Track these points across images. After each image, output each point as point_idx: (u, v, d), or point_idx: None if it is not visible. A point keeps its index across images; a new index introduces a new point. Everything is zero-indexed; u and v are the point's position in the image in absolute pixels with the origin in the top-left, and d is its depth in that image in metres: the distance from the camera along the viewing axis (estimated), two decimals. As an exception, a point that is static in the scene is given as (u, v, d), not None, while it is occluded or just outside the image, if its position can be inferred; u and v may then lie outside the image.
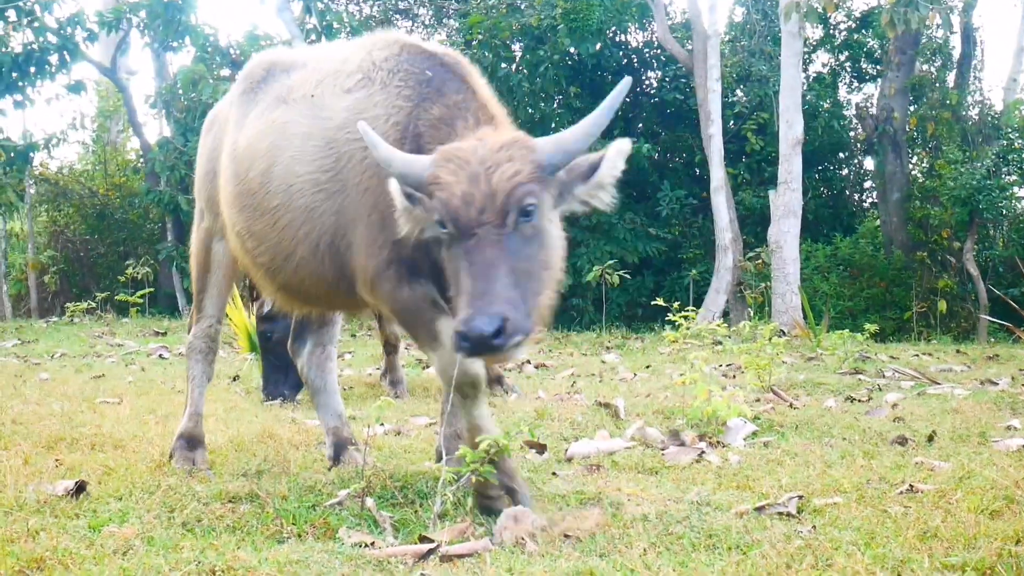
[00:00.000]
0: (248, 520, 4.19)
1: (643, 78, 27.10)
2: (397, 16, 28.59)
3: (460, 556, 3.71)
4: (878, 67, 26.05)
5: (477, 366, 4.43)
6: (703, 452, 5.86)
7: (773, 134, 22.12)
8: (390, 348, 9.21)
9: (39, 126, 47.93)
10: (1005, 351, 13.97)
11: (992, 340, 18.22)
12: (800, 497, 4.57)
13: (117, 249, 26.36)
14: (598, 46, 24.18)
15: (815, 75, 26.57)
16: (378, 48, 4.93)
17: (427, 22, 28.91)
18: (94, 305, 20.69)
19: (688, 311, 8.55)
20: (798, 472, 5.31)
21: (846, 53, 26.86)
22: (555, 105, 24.87)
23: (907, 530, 3.97)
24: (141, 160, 26.33)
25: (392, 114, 4.62)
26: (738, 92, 25.61)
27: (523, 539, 3.91)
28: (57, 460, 5.52)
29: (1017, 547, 3.72)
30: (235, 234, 5.28)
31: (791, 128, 18.37)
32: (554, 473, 5.34)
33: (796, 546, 3.76)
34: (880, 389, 9.08)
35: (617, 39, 26.34)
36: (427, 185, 4.09)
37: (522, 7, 23.86)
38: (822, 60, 27.46)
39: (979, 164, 21.28)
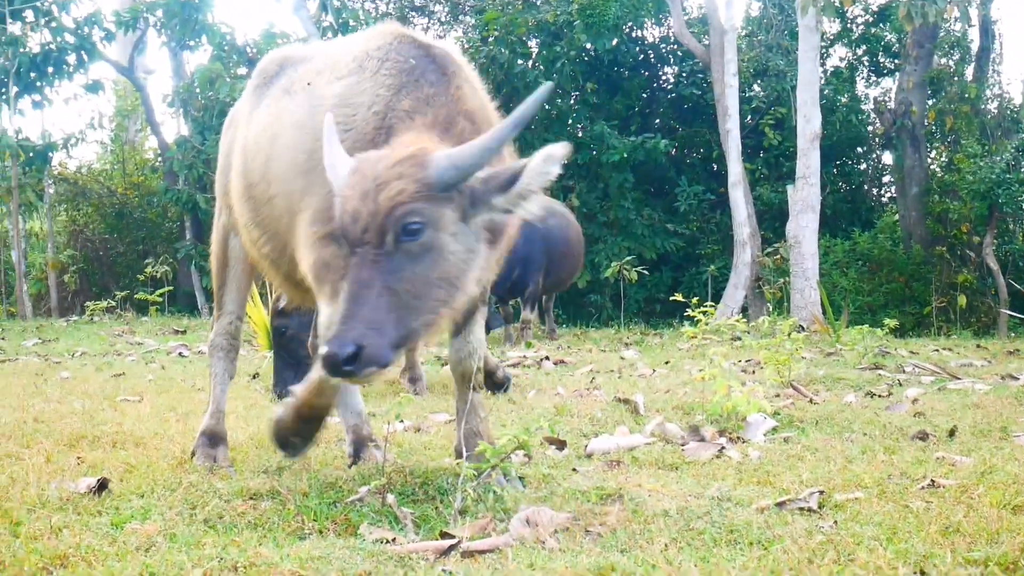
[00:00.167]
0: (269, 517, 4.20)
1: (660, 73, 27.12)
2: (413, 13, 28.61)
3: (481, 552, 3.71)
4: (896, 61, 26.01)
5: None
6: (723, 448, 5.85)
7: (791, 129, 22.10)
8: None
9: (58, 126, 48.23)
10: (1026, 345, 13.91)
11: (1012, 335, 18.18)
12: (821, 492, 4.56)
13: (136, 248, 26.45)
14: (614, 42, 24.18)
15: (833, 69, 26.53)
16: (374, 37, 4.92)
17: (443, 19, 28.92)
18: (114, 304, 20.75)
19: (707, 307, 8.52)
20: (819, 467, 5.29)
21: (863, 47, 26.82)
22: (572, 101, 24.89)
23: (929, 525, 3.96)
24: (159, 159, 26.42)
25: (374, 102, 4.57)
26: (755, 87, 25.58)
27: (543, 535, 3.92)
28: (79, 458, 5.53)
29: (1040, 541, 3.71)
30: (243, 227, 5.30)
31: (809, 123, 18.31)
32: (574, 469, 5.33)
33: (818, 541, 3.75)
34: (900, 384, 9.05)
35: (633, 35, 26.34)
36: (337, 196, 4.12)
37: (538, 3, 23.89)
38: (839, 54, 27.43)
39: (998, 158, 21.22)
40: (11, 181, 22.20)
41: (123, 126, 29.71)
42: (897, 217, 24.43)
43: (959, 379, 9.34)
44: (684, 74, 26.30)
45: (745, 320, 9.46)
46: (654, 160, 23.65)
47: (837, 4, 18.51)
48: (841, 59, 27.59)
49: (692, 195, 24.22)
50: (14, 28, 22.11)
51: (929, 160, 24.79)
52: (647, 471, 5.34)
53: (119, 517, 4.16)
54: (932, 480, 4.80)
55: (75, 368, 10.97)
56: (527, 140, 23.40)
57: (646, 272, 20.75)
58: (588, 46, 24.01)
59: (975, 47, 25.02)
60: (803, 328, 14.98)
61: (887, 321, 11.70)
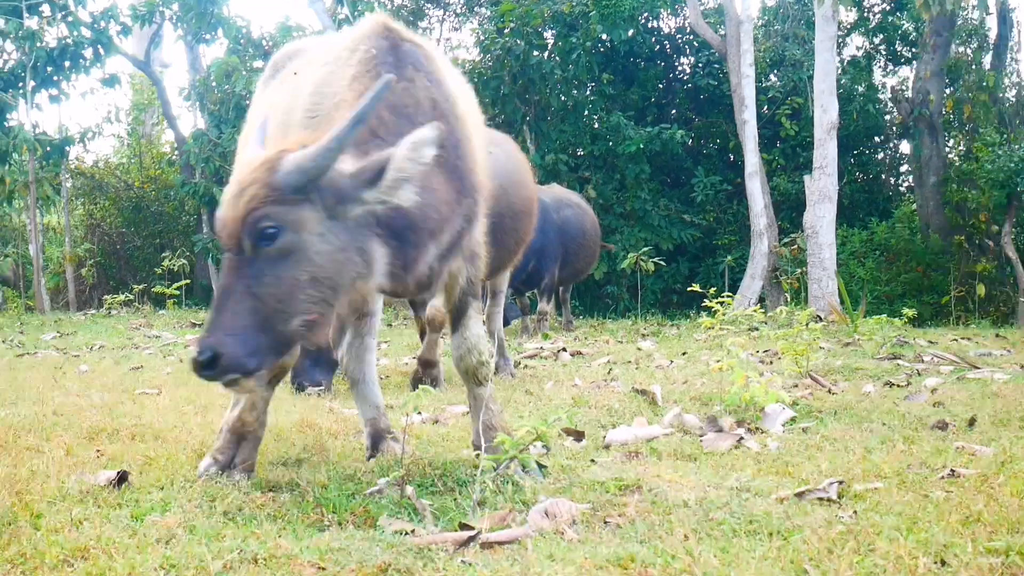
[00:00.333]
0: (289, 509, 4.21)
1: (676, 64, 27.09)
2: (428, 5, 28.63)
3: (500, 543, 3.71)
4: (913, 50, 25.92)
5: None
6: (741, 438, 5.84)
7: (807, 119, 22.06)
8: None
9: (74, 120, 48.42)
10: (1045, 334, 13.86)
11: (1032, 324, 18.09)
12: (840, 482, 4.55)
13: (153, 241, 26.53)
14: (630, 32, 24.15)
15: (849, 59, 26.46)
16: (357, 28, 4.92)
17: (459, 10, 28.90)
18: (131, 297, 20.81)
19: (724, 297, 8.51)
20: (838, 457, 5.28)
21: (880, 36, 26.72)
22: (588, 92, 24.87)
23: (949, 515, 3.95)
24: (176, 152, 26.49)
25: (337, 92, 4.58)
26: (772, 77, 25.54)
27: (562, 526, 3.92)
28: (98, 451, 5.55)
29: (1061, 531, 3.70)
30: None
31: (826, 113, 18.25)
32: (593, 460, 5.33)
33: (837, 531, 3.74)
34: (919, 374, 9.02)
35: (649, 25, 26.31)
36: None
37: (553, -6, 23.81)
38: (856, 43, 27.34)
39: (1017, 146, 21.12)
40: (28, 175, 22.27)
41: (140, 120, 29.81)
42: (915, 206, 24.36)
43: (978, 368, 9.31)
44: (700, 64, 26.26)
45: (762, 310, 9.44)
46: (671, 151, 23.62)
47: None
48: (858, 48, 27.50)
49: (709, 186, 24.19)
50: (31, 22, 22.16)
51: (947, 149, 24.70)
52: (666, 462, 5.33)
53: (139, 510, 4.17)
54: (952, 470, 4.78)
55: (93, 362, 11.01)
56: (543, 131, 23.44)
57: (663, 263, 20.73)
58: (604, 37, 23.98)
59: (993, 35, 24.91)
60: (821, 318, 14.97)
61: (905, 311, 11.67)
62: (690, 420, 6.34)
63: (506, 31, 23.21)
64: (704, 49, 25.54)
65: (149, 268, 25.15)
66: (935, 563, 3.38)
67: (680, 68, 27.35)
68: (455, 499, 4.39)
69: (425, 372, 8.66)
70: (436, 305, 8.49)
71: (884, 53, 27.27)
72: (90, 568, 3.35)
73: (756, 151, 20.36)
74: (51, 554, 3.49)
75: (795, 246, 20.16)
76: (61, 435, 5.98)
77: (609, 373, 9.43)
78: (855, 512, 4.09)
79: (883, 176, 27.45)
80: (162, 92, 25.55)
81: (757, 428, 6.27)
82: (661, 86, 26.87)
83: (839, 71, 22.47)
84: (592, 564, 3.40)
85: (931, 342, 12.43)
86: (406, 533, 3.81)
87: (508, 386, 8.52)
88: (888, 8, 26.39)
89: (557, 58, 23.69)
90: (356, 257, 4.11)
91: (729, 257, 22.70)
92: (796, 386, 8.04)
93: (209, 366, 3.88)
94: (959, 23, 24.33)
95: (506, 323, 12.59)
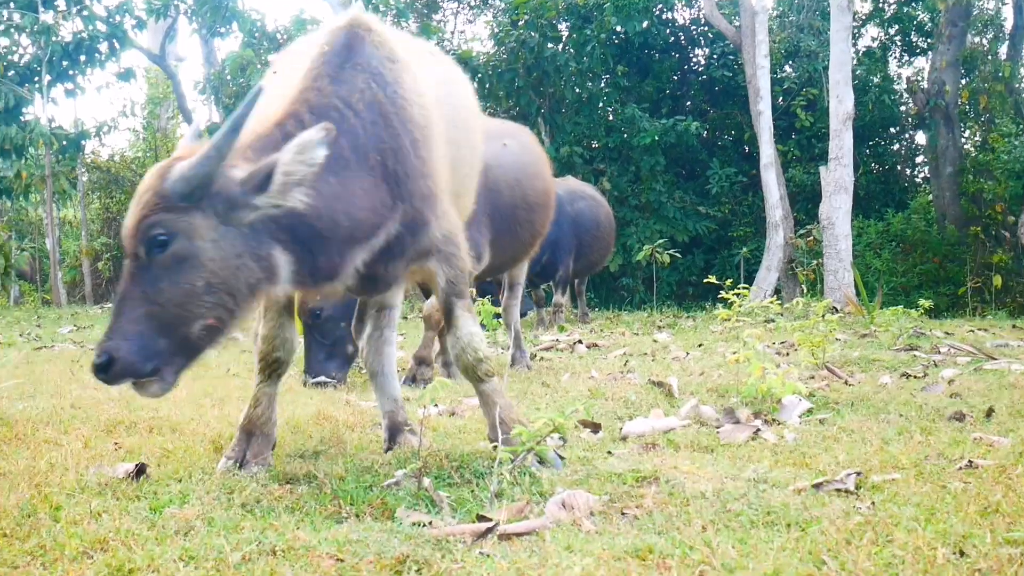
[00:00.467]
0: (306, 501, 4.21)
1: (690, 56, 27.05)
2: (442, -2, 28.61)
3: (518, 534, 3.71)
4: (928, 40, 25.85)
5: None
6: (758, 430, 5.83)
7: (823, 110, 22.02)
8: (442, 330, 9.18)
9: (90, 114, 48.52)
10: (1062, 325, 13.81)
11: (1049, 315, 18.03)
12: (858, 474, 4.53)
13: (169, 235, 26.54)
14: (645, 24, 24.12)
15: (865, 49, 26.40)
16: (329, 25, 4.97)
17: (473, 3, 28.91)
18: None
19: (740, 289, 8.49)
20: (855, 449, 5.27)
21: (896, 27, 26.65)
22: (602, 84, 24.87)
23: (968, 506, 3.93)
24: (191, 146, 26.46)
25: (286, 93, 4.59)
26: (787, 68, 25.50)
27: (579, 518, 3.92)
28: (116, 443, 5.57)
29: (1081, 522, 3.68)
30: None
31: (841, 103, 18.19)
32: (609, 452, 5.33)
33: (855, 522, 3.73)
34: (936, 365, 9.00)
35: (664, 17, 26.29)
36: None
37: (568, -14, 23.79)
38: (871, 34, 27.29)
39: (1033, 137, 21.03)
40: (45, 169, 22.35)
41: (155, 114, 29.90)
42: (931, 197, 24.30)
43: (995, 359, 9.27)
44: (715, 56, 26.22)
45: (779, 302, 9.41)
46: (685, 142, 23.59)
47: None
48: (873, 39, 27.43)
49: (724, 177, 24.16)
50: (46, 17, 22.23)
51: (963, 140, 24.63)
52: (683, 453, 5.33)
53: (157, 502, 4.18)
54: (970, 461, 4.77)
55: (111, 355, 11.03)
56: (557, 123, 23.43)
57: (678, 255, 20.72)
58: (618, 29, 23.96)
59: (1009, 25, 24.83)
60: (837, 310, 14.93)
61: (922, 302, 11.64)
62: (707, 412, 6.33)
63: (520, 23, 23.20)
64: (719, 40, 25.50)
65: (165, 261, 25.13)
66: (954, 554, 3.37)
67: (695, 60, 27.31)
68: (472, 491, 4.39)
69: (419, 370, 8.64)
70: (433, 304, 8.49)
71: (899, 43, 27.19)
72: (110, 560, 3.36)
73: (771, 142, 20.32)
74: (71, 546, 3.50)
75: (811, 237, 20.12)
76: (79, 428, 6.01)
77: (625, 365, 9.42)
78: (873, 503, 4.08)
79: (899, 167, 27.39)
80: (177, 86, 25.60)
81: (774, 419, 6.25)
82: (676, 78, 26.84)
83: (854, 62, 22.42)
84: (610, 555, 3.40)
85: (948, 333, 12.39)
86: (424, 525, 3.82)
87: (524, 378, 8.53)
88: (903, -2, 26.34)
89: (571, 50, 23.67)
90: (252, 263, 4.13)
91: (744, 249, 22.68)
92: (813, 377, 8.02)
93: (104, 369, 3.98)
94: (975, 13, 24.26)
95: (522, 315, 12.59)
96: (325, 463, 5.00)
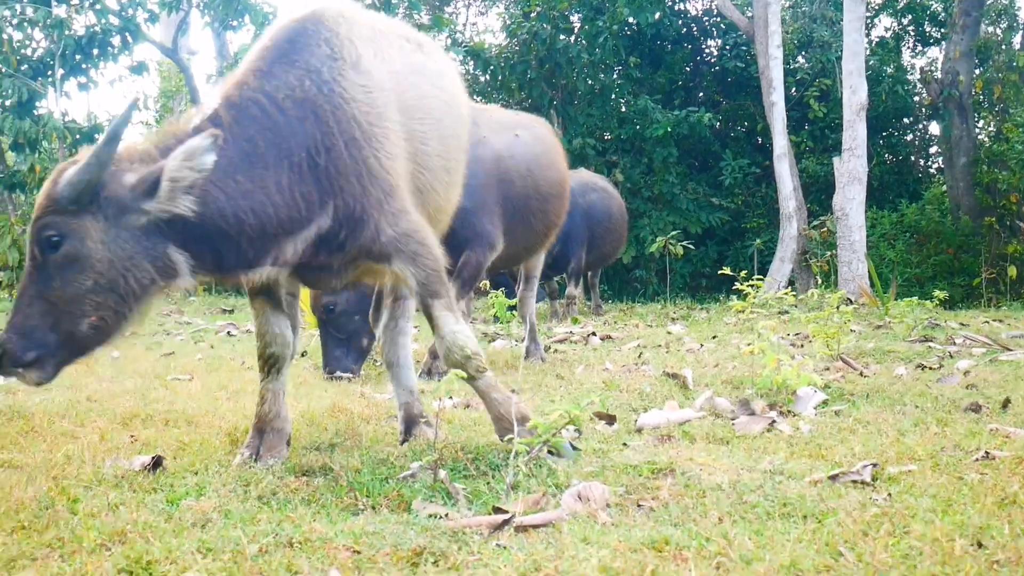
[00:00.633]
0: (322, 493, 4.22)
1: (703, 47, 27.01)
2: (455, -11, 28.59)
3: (535, 526, 3.72)
4: (942, 30, 25.76)
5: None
6: (774, 421, 5.83)
7: (836, 100, 21.97)
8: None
9: (103, 108, 48.57)
10: (1077, 316, 13.76)
11: (1063, 305, 17.96)
12: (874, 465, 4.53)
13: (182, 228, 26.58)
14: (657, 15, 24.07)
15: (878, 39, 26.33)
16: (289, 16, 5.00)
17: (486, -6, 28.87)
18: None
19: (755, 280, 8.49)
20: (871, 440, 5.26)
21: (909, 16, 26.56)
22: (615, 76, 24.84)
23: (985, 497, 3.93)
24: (204, 139, 26.49)
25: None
26: (800, 58, 25.44)
27: (595, 510, 3.92)
28: (132, 436, 5.59)
29: (1099, 513, 3.67)
30: None
31: (855, 94, 18.13)
32: (625, 444, 5.33)
33: (872, 514, 3.72)
34: (951, 356, 8.98)
35: (676, 8, 26.26)
36: None
37: (580, -23, 23.77)
38: (885, 24, 27.21)
39: (1048, 127, 20.95)
40: (58, 163, 22.35)
41: (168, 107, 29.90)
42: (945, 188, 24.22)
43: (1011, 351, 9.25)
44: (728, 47, 26.16)
45: (793, 293, 9.40)
46: (698, 134, 23.56)
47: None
48: (886, 29, 27.35)
49: (737, 169, 24.12)
50: (59, 11, 22.23)
51: (977, 130, 24.55)
52: (698, 445, 5.33)
53: (174, 494, 4.20)
54: (986, 452, 4.76)
55: (125, 347, 11.04)
56: (570, 115, 23.41)
57: (691, 247, 20.70)
58: (631, 20, 23.91)
59: (1023, 15, 24.72)
60: (851, 301, 14.89)
61: (936, 293, 11.61)
62: (722, 403, 6.33)
63: (532, 15, 23.17)
64: (731, 31, 25.44)
65: (178, 255, 25.18)
66: (971, 545, 3.36)
67: (707, 51, 27.26)
68: (488, 483, 4.39)
69: (434, 363, 8.63)
70: None
71: (913, 34, 27.11)
72: (127, 552, 3.37)
73: (784, 133, 20.27)
74: (89, 538, 3.52)
75: (825, 228, 20.07)
76: (95, 420, 6.03)
77: (639, 357, 9.42)
78: (889, 495, 4.08)
79: (913, 157, 27.32)
80: (190, 79, 25.60)
81: (789, 411, 6.25)
82: (688, 69, 26.80)
83: (868, 52, 22.36)
84: (626, 547, 3.40)
85: (962, 324, 12.36)
86: (440, 517, 3.82)
87: (539, 370, 8.53)
88: (917, -12, 26.25)
89: (584, 42, 23.64)
90: (146, 264, 4.25)
91: (758, 240, 22.64)
92: (828, 369, 8.01)
93: None
94: (988, 2, 24.18)
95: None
96: (341, 455, 5.01)
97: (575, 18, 24.13)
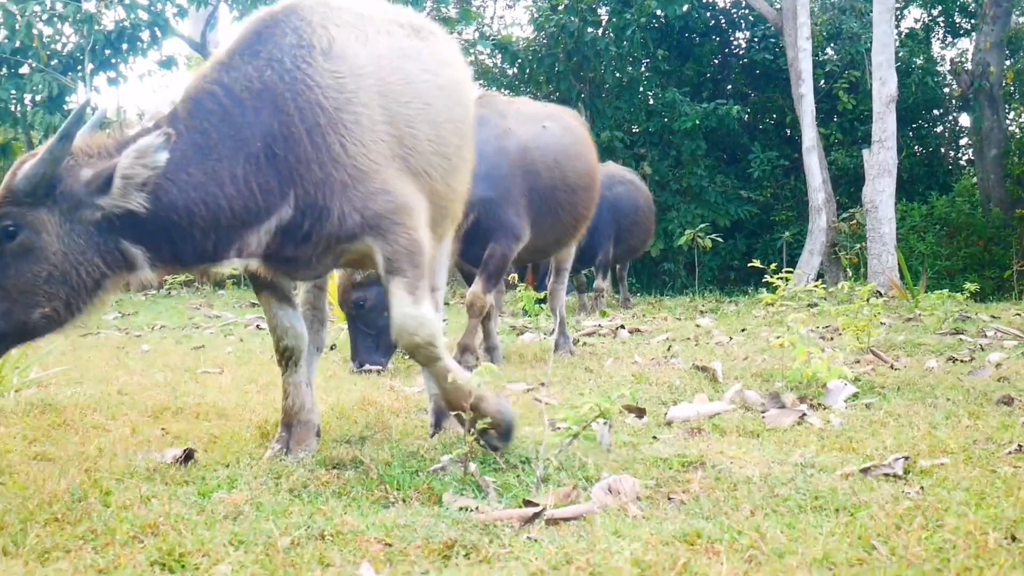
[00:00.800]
0: (353, 486, 4.23)
1: (731, 39, 26.92)
2: (482, -17, 28.58)
3: (565, 519, 3.72)
4: (972, 21, 25.60)
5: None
6: (804, 414, 5.80)
7: (865, 92, 21.85)
8: (485, 315, 9.15)
9: (133, 102, 48.75)
10: (1110, 308, 13.65)
11: (1095, 298, 17.83)
12: (906, 458, 4.51)
13: (211, 222, 26.68)
14: (685, 8, 24.01)
15: (907, 31, 26.19)
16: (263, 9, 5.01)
17: (512, -13, 28.84)
18: (191, 277, 20.97)
19: (785, 273, 8.46)
20: (902, 433, 5.23)
21: (939, 7, 26.41)
22: (643, 68, 24.80)
23: (1018, 490, 3.90)
24: (232, 133, 26.57)
25: None
26: (828, 50, 25.33)
27: (626, 502, 3.91)
28: (163, 429, 5.62)
29: None
30: None
31: (884, 85, 18.04)
32: (655, 437, 5.32)
33: (905, 507, 3.71)
34: (982, 349, 8.92)
35: (704, 0, 26.12)
36: None
37: (607, -30, 23.72)
38: (915, 15, 27.06)
39: (1080, 118, 20.79)
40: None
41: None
42: (975, 180, 24.08)
43: (1043, 343, 9.20)
44: (756, 39, 26.07)
45: (823, 286, 9.36)
46: (727, 126, 23.50)
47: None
48: (916, 20, 27.20)
49: (765, 161, 24.04)
50: (89, 6, 22.32)
51: (1008, 121, 24.40)
52: (728, 438, 5.31)
53: (206, 486, 4.22)
54: (1019, 445, 4.73)
55: (155, 341, 11.13)
56: (598, 108, 23.38)
57: (720, 240, 20.65)
58: (658, 12, 23.86)
59: (1055, 5, 24.55)
60: (881, 294, 14.83)
61: (967, 285, 11.54)
62: (751, 396, 6.31)
63: (560, 8, 23.15)
64: (760, 23, 25.34)
65: (207, 248, 25.28)
66: (1005, 539, 3.35)
67: (735, 43, 27.17)
68: (517, 476, 4.39)
69: (463, 357, 8.61)
70: (475, 291, 8.45)
71: (943, 25, 26.95)
72: (160, 544, 3.38)
73: (813, 125, 20.19)
74: (122, 530, 3.53)
75: (854, 221, 19.99)
76: (126, 413, 6.07)
77: (668, 350, 9.40)
78: (922, 488, 4.06)
79: (943, 149, 27.17)
80: (218, 74, 25.66)
81: (819, 404, 6.22)
82: (716, 61, 26.72)
83: (897, 43, 22.23)
84: (658, 540, 3.39)
85: (994, 317, 12.28)
86: (471, 510, 3.83)
87: (568, 364, 8.52)
88: (947, -21, 26.09)
89: (611, 34, 23.60)
90: (97, 258, 4.28)
91: (787, 233, 22.57)
92: (858, 362, 7.97)
93: None
94: (1020, -8, 23.99)
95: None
96: (371, 448, 5.02)
97: (603, 11, 24.09)
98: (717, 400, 6.33)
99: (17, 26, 21.47)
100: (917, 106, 25.04)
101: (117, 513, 3.73)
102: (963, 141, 27.07)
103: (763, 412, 5.95)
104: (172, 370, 8.27)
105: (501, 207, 8.31)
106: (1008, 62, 23.80)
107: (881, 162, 17.95)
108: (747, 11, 25.94)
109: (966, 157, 26.97)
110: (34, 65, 21.59)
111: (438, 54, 5.30)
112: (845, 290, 10.85)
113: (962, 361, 8.10)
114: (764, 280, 9.23)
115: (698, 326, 12.18)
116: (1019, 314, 12.95)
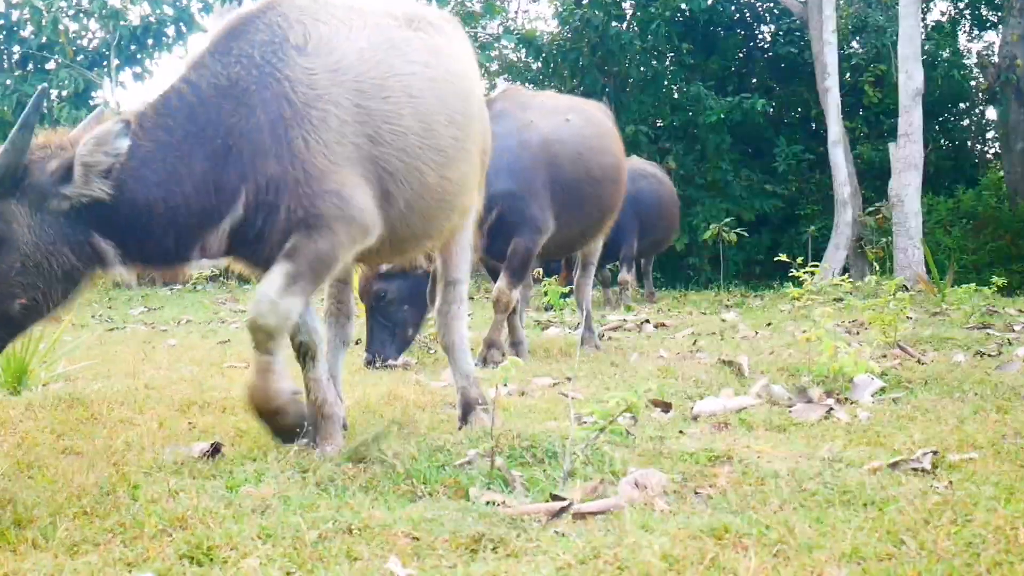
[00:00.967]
0: (380, 480, 4.23)
1: (756, 32, 26.84)
2: (507, -23, 28.54)
3: (593, 513, 3.71)
4: (999, 14, 25.44)
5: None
6: (831, 409, 5.78)
7: (891, 86, 21.75)
8: (511, 310, 9.13)
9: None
10: None
11: (1123, 292, 17.71)
12: (934, 453, 4.49)
13: (236, 216, 26.76)
14: (709, 1, 23.95)
15: (934, 24, 26.07)
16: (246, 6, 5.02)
17: (537, -18, 28.80)
18: (216, 272, 21.03)
19: (811, 267, 8.42)
20: (930, 428, 5.21)
21: (965, 0, 26.22)
22: (667, 62, 24.76)
23: (1048, 485, 3.89)
24: (257, 128, 26.63)
25: None
26: (854, 44, 25.22)
27: (653, 497, 3.91)
28: (191, 423, 5.64)
29: None
30: None
31: (911, 79, 17.95)
32: (681, 431, 5.31)
33: (933, 502, 3.69)
34: (1010, 343, 8.87)
35: (729, -7, 26.07)
36: None
37: (632, -36, 23.69)
38: (941, 8, 27.02)
39: (1108, 111, 20.65)
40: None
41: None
42: (1002, 173, 23.94)
43: (1071, 337, 9.14)
44: (781, 32, 25.97)
45: (850, 280, 9.33)
46: (751, 120, 23.42)
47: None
48: (942, 13, 27.08)
49: (791, 155, 23.96)
50: (115, 1, 22.45)
51: (1035, 115, 24.24)
52: (755, 433, 5.30)
53: (233, 480, 4.23)
54: (1049, 440, 4.71)
55: (181, 336, 11.18)
56: (622, 102, 23.34)
57: (745, 234, 20.60)
58: (683, 6, 23.81)
59: (1083, -3, 24.35)
60: (907, 288, 14.77)
61: (994, 279, 11.48)
62: (778, 391, 6.29)
63: (584, 2, 23.13)
64: (785, 16, 25.25)
65: (233, 243, 25.35)
66: (1036, 534, 3.33)
67: (760, 36, 27.09)
68: (544, 470, 4.39)
69: (489, 352, 8.60)
70: (501, 287, 8.44)
71: (969, 17, 26.82)
72: (188, 537, 3.40)
73: (839, 119, 20.12)
74: (150, 524, 3.55)
75: (880, 215, 19.92)
76: (154, 408, 6.09)
77: (694, 344, 9.39)
78: (950, 482, 4.04)
79: (969, 143, 27.04)
80: (243, 69, 25.73)
81: (846, 399, 6.20)
82: (741, 55, 26.65)
83: (923, 37, 22.12)
84: (686, 534, 3.38)
85: (1021, 311, 12.22)
86: (498, 504, 3.83)
87: (593, 358, 8.51)
88: (974, -29, 25.95)
89: (636, 28, 23.58)
90: (67, 250, 4.30)
91: (812, 227, 22.50)
92: (885, 356, 7.93)
93: None
94: (1047, -15, 23.82)
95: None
96: (397, 443, 5.02)
97: (627, 5, 24.07)
98: (743, 394, 6.31)
99: (44, 22, 21.60)
100: (943, 100, 24.92)
101: (145, 507, 3.75)
102: (989, 135, 26.95)
103: (790, 407, 5.94)
104: (198, 364, 8.30)
105: (524, 200, 8.31)
106: (1035, 55, 23.66)
107: (907, 156, 17.86)
108: (772, 4, 25.86)
109: (992, 151, 26.84)
110: (60, 61, 21.70)
111: (433, 45, 5.21)
112: (871, 284, 10.80)
113: (989, 355, 8.06)
114: (790, 274, 9.21)
115: (723, 320, 12.16)
116: (1047, 308, 12.88)
